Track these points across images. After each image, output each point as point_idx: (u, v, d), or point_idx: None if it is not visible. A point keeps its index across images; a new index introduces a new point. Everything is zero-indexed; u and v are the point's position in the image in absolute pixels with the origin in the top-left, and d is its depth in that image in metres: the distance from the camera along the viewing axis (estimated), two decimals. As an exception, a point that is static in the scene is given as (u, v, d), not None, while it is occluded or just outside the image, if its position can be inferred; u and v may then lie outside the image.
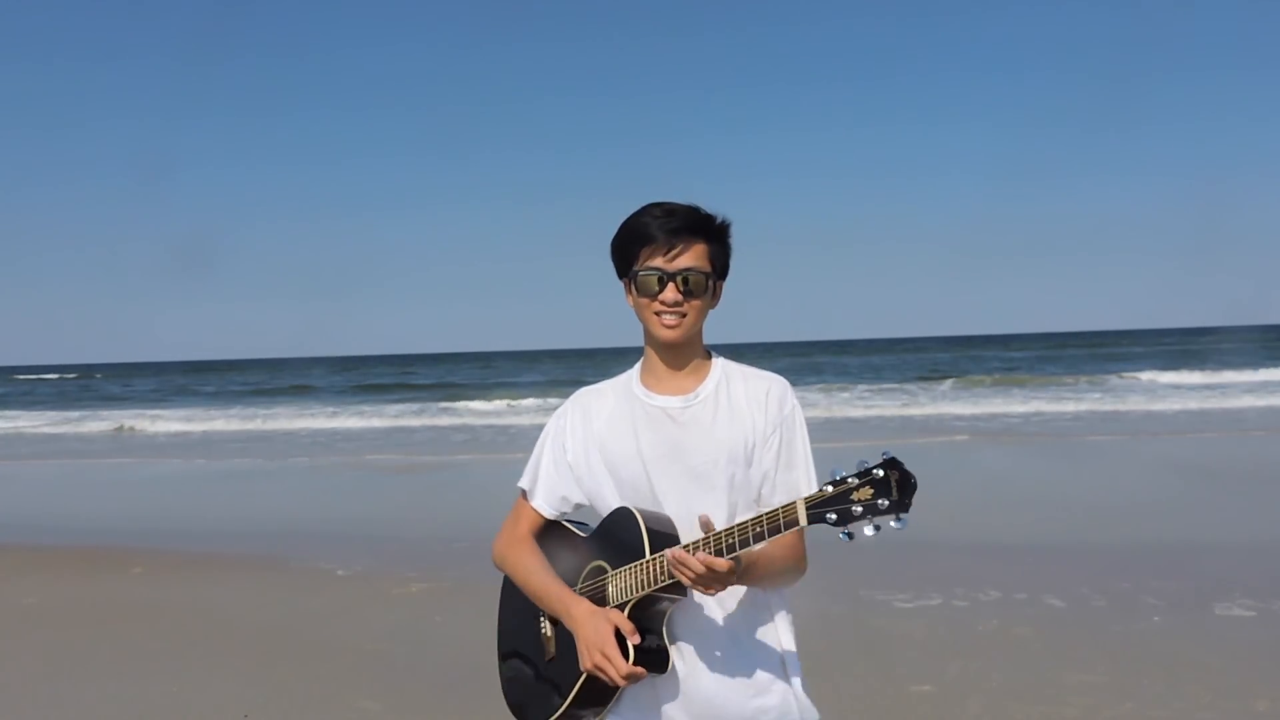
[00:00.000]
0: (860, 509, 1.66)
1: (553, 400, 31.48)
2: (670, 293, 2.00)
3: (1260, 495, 10.34)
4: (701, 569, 1.77)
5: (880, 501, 1.66)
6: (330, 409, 31.07)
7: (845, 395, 29.29)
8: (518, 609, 2.17)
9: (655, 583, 1.89)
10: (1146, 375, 31.97)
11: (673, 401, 2.06)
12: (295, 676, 5.21)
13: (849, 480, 1.68)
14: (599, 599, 1.99)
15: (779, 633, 2.06)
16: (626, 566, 1.95)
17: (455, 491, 13.09)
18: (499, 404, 30.94)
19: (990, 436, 17.79)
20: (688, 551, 1.81)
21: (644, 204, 2.06)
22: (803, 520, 1.72)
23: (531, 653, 2.12)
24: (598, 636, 1.90)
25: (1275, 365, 33.18)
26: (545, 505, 2.16)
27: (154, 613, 6.61)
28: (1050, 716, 4.30)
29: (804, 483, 2.04)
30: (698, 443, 2.03)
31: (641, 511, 1.98)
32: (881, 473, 1.67)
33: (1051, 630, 5.56)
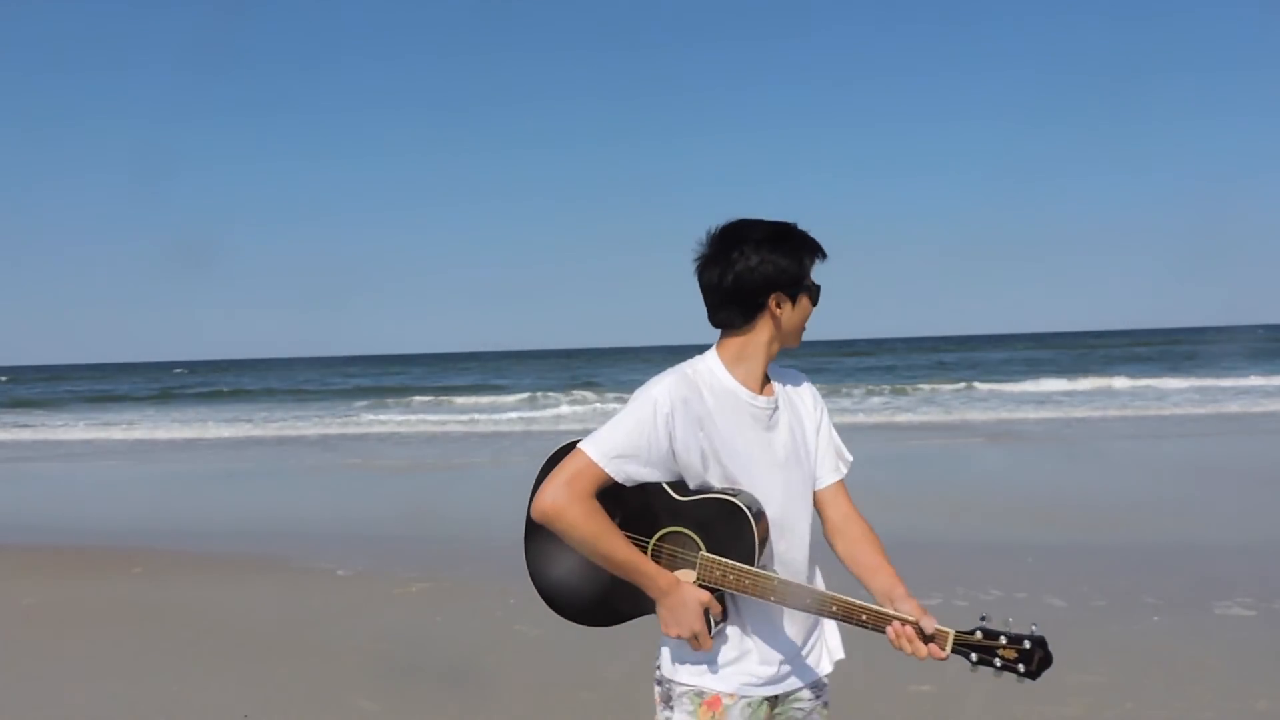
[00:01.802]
0: (999, 662, 2.01)
1: (552, 400, 31.57)
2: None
3: (1260, 495, 10.34)
4: (924, 655, 2.06)
5: (1019, 666, 2.00)
6: (329, 409, 31.10)
7: (843, 396, 29.28)
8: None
9: (758, 594, 2.09)
10: (1146, 376, 31.95)
11: (771, 402, 2.21)
12: (295, 676, 5.21)
13: (1000, 637, 2.01)
14: (670, 562, 2.14)
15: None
16: (729, 562, 2.09)
17: (455, 492, 13.09)
18: (499, 404, 30.94)
19: (990, 437, 17.80)
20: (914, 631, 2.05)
21: (741, 220, 2.19)
22: (947, 650, 2.03)
23: (592, 573, 2.14)
24: (688, 614, 2.07)
25: (1274, 365, 33.17)
26: (626, 480, 2.10)
27: (154, 613, 6.61)
28: (1050, 716, 4.31)
29: (842, 451, 2.34)
30: (784, 442, 2.21)
31: (756, 520, 2.10)
32: (1029, 645, 2.00)
33: (1051, 630, 5.54)
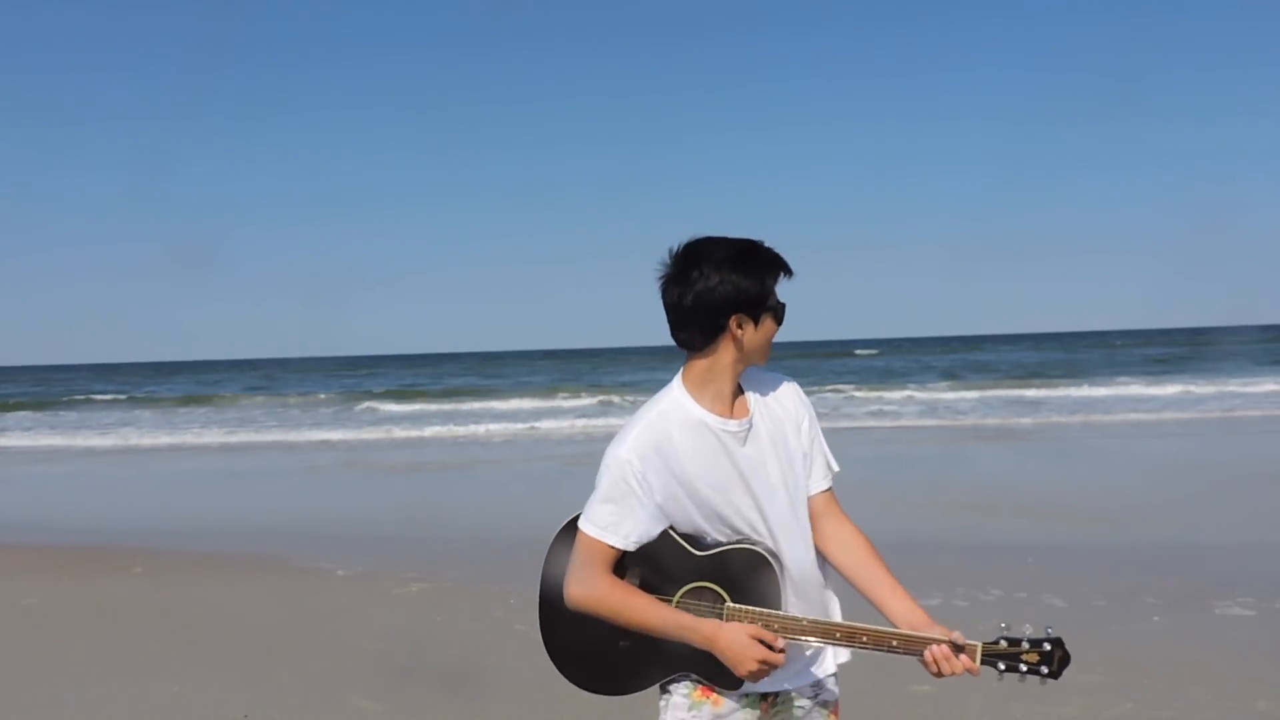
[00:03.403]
0: (1025, 667, 2.13)
1: (553, 400, 31.58)
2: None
3: (1260, 495, 10.35)
4: (961, 671, 2.12)
5: (1042, 668, 2.13)
6: (328, 409, 31.11)
7: (842, 397, 29.27)
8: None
9: (789, 636, 2.12)
10: (1147, 375, 31.95)
11: (743, 425, 2.18)
12: (295, 676, 5.21)
13: (1022, 644, 2.13)
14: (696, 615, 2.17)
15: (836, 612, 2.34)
16: (756, 609, 2.14)
17: (455, 492, 13.09)
18: (498, 404, 30.95)
19: (990, 437, 17.80)
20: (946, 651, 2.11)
21: (707, 237, 2.16)
22: (977, 661, 2.12)
23: (601, 640, 2.19)
24: (745, 649, 2.07)
25: (1275, 365, 33.18)
26: (633, 547, 2.16)
27: (154, 613, 6.61)
28: (1050, 716, 4.31)
29: (830, 459, 2.31)
30: (765, 457, 2.19)
31: (781, 569, 2.16)
32: (1049, 647, 2.13)
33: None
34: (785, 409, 2.26)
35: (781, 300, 2.18)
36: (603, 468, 2.15)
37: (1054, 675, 2.11)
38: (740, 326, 2.12)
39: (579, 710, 4.53)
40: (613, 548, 2.11)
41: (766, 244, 2.16)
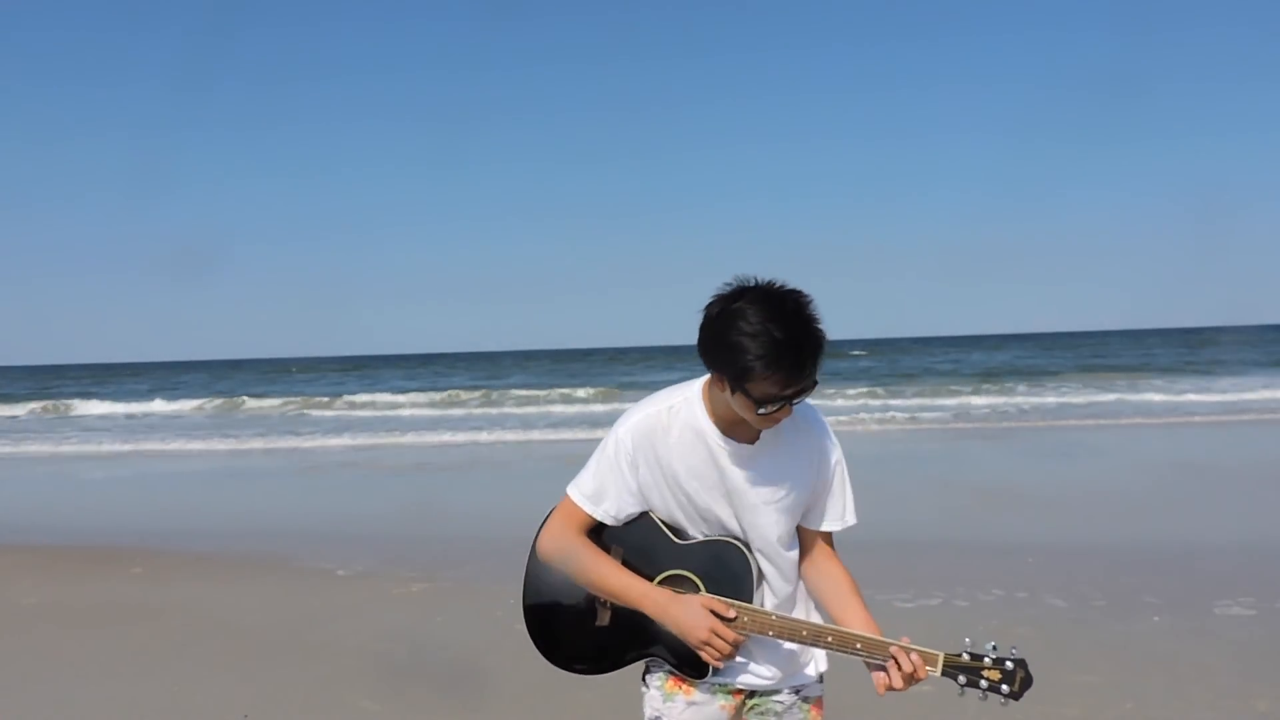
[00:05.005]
0: (985, 683, 2.11)
1: (551, 404, 31.61)
2: (783, 412, 2.03)
3: (1260, 495, 10.35)
4: (910, 670, 2.16)
5: (1003, 687, 2.10)
6: (329, 408, 31.12)
7: (843, 396, 29.26)
8: (566, 582, 2.27)
9: (757, 631, 2.15)
10: (1147, 376, 31.95)
11: (742, 449, 2.15)
12: (295, 676, 5.21)
13: (985, 660, 2.11)
14: None
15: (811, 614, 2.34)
16: (727, 600, 2.16)
17: (455, 492, 13.09)
18: (498, 404, 30.97)
19: (989, 437, 17.80)
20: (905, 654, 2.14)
21: (755, 301, 1.95)
22: (937, 671, 2.15)
23: (578, 617, 2.27)
24: (702, 619, 2.11)
25: (1275, 366, 33.19)
26: (609, 520, 2.23)
27: (154, 613, 6.61)
28: (1050, 716, 4.31)
29: (847, 511, 2.28)
30: (757, 479, 2.16)
31: (755, 566, 2.19)
32: (1012, 666, 2.09)
33: (1051, 630, 5.56)
34: (808, 452, 2.20)
35: (778, 394, 1.96)
36: (603, 440, 2.22)
37: (1014, 696, 2.10)
38: (720, 383, 2.04)
39: (579, 710, 4.53)
40: (590, 516, 2.20)
41: (808, 348, 1.94)
